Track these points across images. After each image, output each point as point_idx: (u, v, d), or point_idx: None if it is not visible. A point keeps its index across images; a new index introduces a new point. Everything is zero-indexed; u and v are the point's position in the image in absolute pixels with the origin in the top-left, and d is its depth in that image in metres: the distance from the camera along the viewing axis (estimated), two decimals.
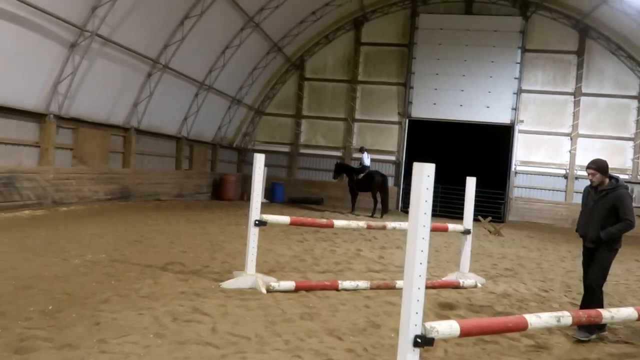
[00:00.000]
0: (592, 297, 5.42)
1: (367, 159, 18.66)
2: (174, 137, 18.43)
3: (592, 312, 4.33)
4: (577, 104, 20.86)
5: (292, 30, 20.96)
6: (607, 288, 8.36)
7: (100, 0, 12.05)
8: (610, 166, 20.09)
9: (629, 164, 20.37)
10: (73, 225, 10.20)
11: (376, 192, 17.99)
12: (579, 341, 5.17)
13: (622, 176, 20.37)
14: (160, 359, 3.95)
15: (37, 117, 12.09)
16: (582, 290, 7.97)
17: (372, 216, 17.68)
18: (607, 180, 5.46)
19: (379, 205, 18.14)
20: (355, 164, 21.66)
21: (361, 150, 19.29)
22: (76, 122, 13.35)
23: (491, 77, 21.39)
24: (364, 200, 19.40)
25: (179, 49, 15.72)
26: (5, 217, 10.36)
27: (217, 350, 4.21)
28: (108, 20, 12.47)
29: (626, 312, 4.43)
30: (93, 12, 12.07)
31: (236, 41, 18.50)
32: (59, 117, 12.54)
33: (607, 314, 4.29)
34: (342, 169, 19.10)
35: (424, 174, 3.49)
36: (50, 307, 4.93)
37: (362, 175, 18.26)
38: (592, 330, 5.24)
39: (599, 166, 5.45)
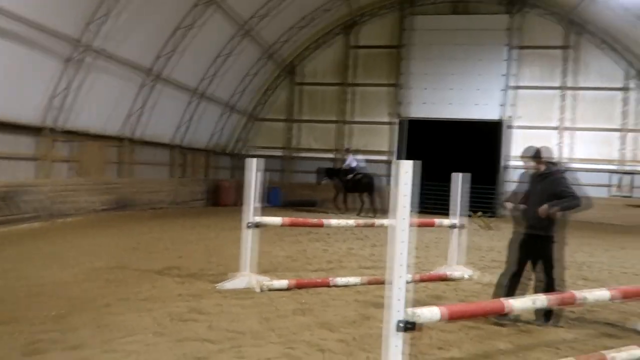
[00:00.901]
0: (549, 290, 5.35)
1: (352, 161, 19.08)
2: (168, 146, 18.67)
3: (566, 294, 4.61)
4: (564, 98, 21.21)
5: (283, 36, 21.25)
6: (589, 273, 8.69)
7: (94, 14, 12.31)
8: (597, 157, 20.66)
9: (616, 155, 20.69)
10: (71, 235, 10.44)
11: (365, 193, 18.41)
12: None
13: (608, 166, 20.80)
14: (160, 355, 4.21)
15: (34, 131, 12.31)
16: (566, 277, 8.27)
17: (359, 215, 18.06)
18: (542, 166, 5.54)
19: (368, 205, 18.53)
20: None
21: (346, 151, 19.70)
22: (73, 135, 13.58)
23: (480, 75, 21.73)
24: (356, 200, 19.65)
25: (171, 58, 15.98)
26: (6, 231, 10.59)
27: (214, 346, 4.46)
28: (102, 34, 12.72)
29: (599, 294, 4.71)
30: (87, 26, 12.33)
31: (228, 49, 18.77)
32: (56, 131, 12.77)
33: (580, 295, 4.56)
34: (325, 172, 19.61)
35: (403, 171, 3.77)
36: (54, 313, 5.18)
37: (350, 176, 18.66)
38: (549, 318, 5.36)
39: (531, 154, 5.55)
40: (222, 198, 21.02)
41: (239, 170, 23.68)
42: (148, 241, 10.09)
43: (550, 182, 5.43)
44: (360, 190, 18.51)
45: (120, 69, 14.47)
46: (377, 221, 7.38)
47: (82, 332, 4.67)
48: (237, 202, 21.88)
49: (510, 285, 5.53)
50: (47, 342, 4.37)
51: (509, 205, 5.91)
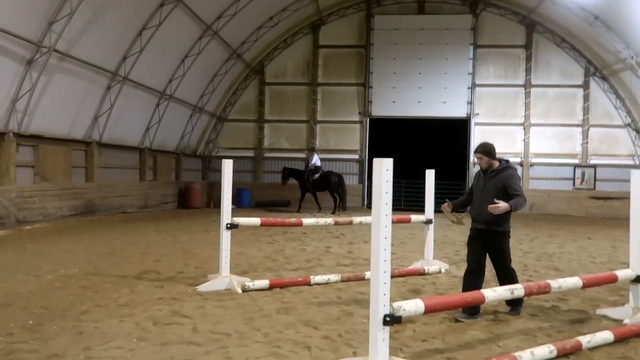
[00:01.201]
0: (509, 279, 5.49)
1: (317, 160, 19.31)
2: (137, 149, 18.33)
3: (541, 283, 4.78)
4: (528, 95, 21.86)
5: (250, 36, 21.15)
6: (560, 264, 8.99)
7: (56, 15, 11.97)
8: (561, 152, 21.32)
9: (578, 149, 21.48)
10: (41, 242, 10.13)
11: (334, 191, 18.75)
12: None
13: (571, 160, 21.55)
14: (146, 359, 4.15)
15: None
16: (538, 268, 8.54)
17: (333, 213, 18.22)
18: (495, 162, 5.55)
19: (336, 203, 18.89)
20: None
21: (311, 150, 19.87)
22: (36, 139, 13.18)
23: (446, 73, 22.16)
24: (323, 199, 19.72)
25: (138, 60, 15.68)
26: None
27: (200, 348, 4.43)
28: (65, 35, 12.38)
29: (572, 281, 4.91)
30: (49, 27, 11.98)
31: (195, 50, 18.56)
32: (19, 135, 12.37)
33: (555, 284, 4.75)
34: (290, 173, 19.77)
35: (384, 168, 3.84)
36: (30, 322, 5.03)
37: (317, 175, 18.98)
38: (474, 313, 5.35)
39: (484, 150, 5.56)
40: (193, 200, 20.79)
41: (209, 171, 23.48)
42: (122, 246, 9.89)
43: (502, 179, 5.43)
44: (331, 189, 18.78)
45: (85, 71, 14.14)
46: (356, 219, 7.44)
47: (61, 340, 4.56)
48: (209, 203, 21.75)
49: (472, 282, 5.50)
50: (26, 352, 4.25)
51: (447, 207, 5.94)
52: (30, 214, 12.72)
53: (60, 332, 4.77)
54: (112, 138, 16.53)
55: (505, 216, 5.45)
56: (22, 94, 12.10)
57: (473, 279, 5.57)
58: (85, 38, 13.37)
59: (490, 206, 5.29)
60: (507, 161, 5.62)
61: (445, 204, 5.99)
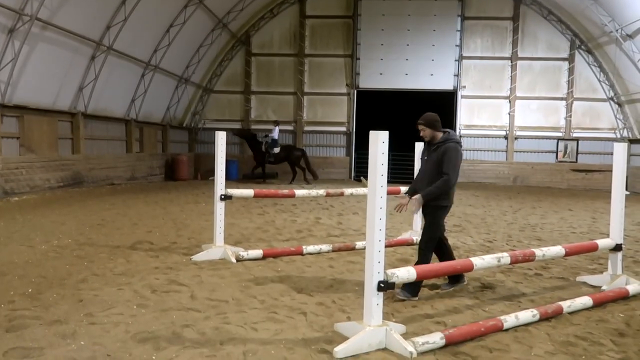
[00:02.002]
0: (420, 257, 5.22)
1: (276, 134, 19.87)
2: (122, 120, 18.13)
3: (527, 251, 5.00)
4: (514, 67, 21.99)
5: (236, 5, 20.78)
6: (542, 234, 9.29)
7: None
8: (545, 125, 21.50)
9: (562, 122, 21.79)
10: (30, 214, 10.13)
11: (299, 163, 19.63)
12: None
13: (555, 134, 21.86)
14: (147, 325, 4.28)
15: None
16: (521, 238, 8.81)
17: (290, 183, 19.07)
18: (439, 134, 5.26)
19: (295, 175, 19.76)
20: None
21: (275, 123, 20.05)
22: (21, 110, 12.97)
23: (434, 45, 22.13)
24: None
25: (122, 29, 15.37)
26: None
27: (199, 314, 4.58)
28: (47, 3, 12.07)
29: (555, 250, 5.14)
30: None
31: (180, 19, 18.23)
32: (3, 106, 12.15)
33: (539, 252, 4.97)
34: (242, 136, 20.41)
35: (379, 140, 3.97)
36: (30, 290, 5.12)
37: (277, 149, 19.65)
38: (413, 291, 5.10)
39: (427, 121, 5.27)
40: (180, 172, 20.76)
41: (196, 143, 23.36)
42: (112, 217, 9.94)
43: (439, 153, 5.13)
44: (294, 162, 19.56)
45: (69, 40, 13.86)
46: (347, 190, 7.58)
47: (62, 307, 4.66)
48: (196, 175, 21.74)
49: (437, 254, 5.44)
50: (29, 318, 4.35)
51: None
52: (17, 186, 12.63)
53: (60, 299, 4.87)
54: (98, 109, 16.32)
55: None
56: (5, 64, 11.84)
57: (436, 252, 5.45)
58: (68, 6, 13.06)
59: (410, 203, 5.17)
60: (449, 132, 5.27)
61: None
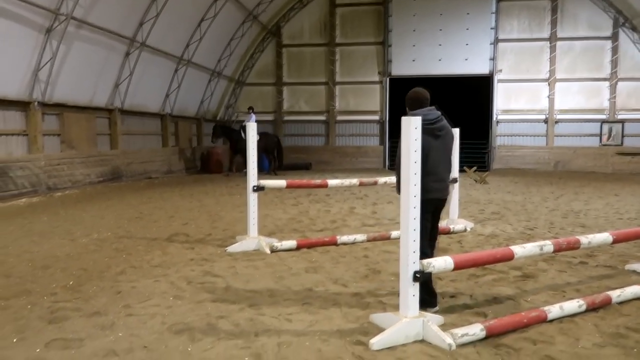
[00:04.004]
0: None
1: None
2: (158, 115, 18.45)
3: (571, 239, 4.76)
4: (553, 49, 21.16)
5: None
6: (587, 220, 8.92)
7: None
8: (587, 107, 20.53)
9: (606, 104, 20.87)
10: (72, 208, 10.42)
11: (272, 152, 19.49)
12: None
13: (598, 116, 20.96)
14: (183, 316, 4.31)
15: (21, 105, 12.09)
16: (564, 225, 8.49)
17: (269, 173, 18.90)
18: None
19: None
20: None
21: (249, 110, 19.43)
22: (60, 108, 13.35)
23: (468, 29, 21.53)
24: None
25: (154, 25, 15.59)
26: (4, 206, 10.53)
27: (234, 305, 4.58)
28: (81, 2, 12.34)
29: (601, 237, 4.88)
30: None
31: (211, 13, 18.34)
32: (43, 104, 12.54)
33: (585, 239, 4.72)
34: (222, 132, 19.90)
35: (412, 126, 3.82)
36: (71, 282, 5.24)
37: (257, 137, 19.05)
38: (430, 302, 4.37)
39: (407, 98, 4.70)
40: (215, 165, 20.97)
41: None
42: (150, 210, 10.12)
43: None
44: (271, 150, 19.45)
45: (103, 38, 14.15)
46: (380, 179, 7.44)
47: (101, 299, 4.75)
48: (231, 168, 21.94)
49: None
50: (69, 310, 4.44)
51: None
52: (60, 181, 13.03)
53: (99, 291, 4.97)
54: (133, 105, 16.65)
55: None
56: (44, 63, 12.19)
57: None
58: (101, 4, 13.31)
59: None
60: (415, 112, 4.40)
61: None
